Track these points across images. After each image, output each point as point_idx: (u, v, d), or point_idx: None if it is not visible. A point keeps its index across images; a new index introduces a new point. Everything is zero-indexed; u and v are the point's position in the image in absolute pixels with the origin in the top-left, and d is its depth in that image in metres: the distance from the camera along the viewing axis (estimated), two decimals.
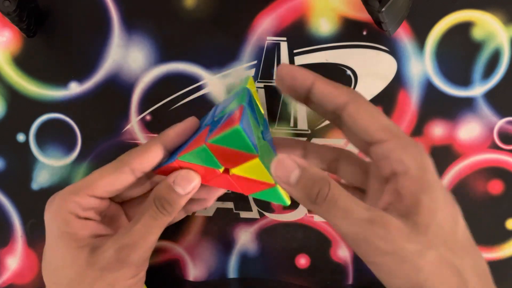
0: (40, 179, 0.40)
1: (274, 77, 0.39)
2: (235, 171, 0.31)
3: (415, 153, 0.27)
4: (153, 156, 0.32)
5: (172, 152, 0.33)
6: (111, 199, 0.34)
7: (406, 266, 0.25)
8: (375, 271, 0.26)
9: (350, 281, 0.41)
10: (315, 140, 0.40)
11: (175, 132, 0.32)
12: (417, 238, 0.25)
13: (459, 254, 0.26)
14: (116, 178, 0.31)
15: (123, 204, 0.36)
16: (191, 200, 0.34)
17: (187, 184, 0.31)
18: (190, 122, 0.33)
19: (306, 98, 0.30)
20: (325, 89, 0.29)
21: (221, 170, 0.31)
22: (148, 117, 0.40)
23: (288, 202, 0.32)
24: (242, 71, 0.39)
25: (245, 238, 0.40)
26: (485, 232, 0.40)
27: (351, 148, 0.35)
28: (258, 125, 0.32)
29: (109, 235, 0.32)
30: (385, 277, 0.26)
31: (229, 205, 0.40)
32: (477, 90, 0.39)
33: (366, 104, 0.28)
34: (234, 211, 0.40)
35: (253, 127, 0.30)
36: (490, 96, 0.39)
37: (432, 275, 0.25)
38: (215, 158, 0.30)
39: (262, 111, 0.37)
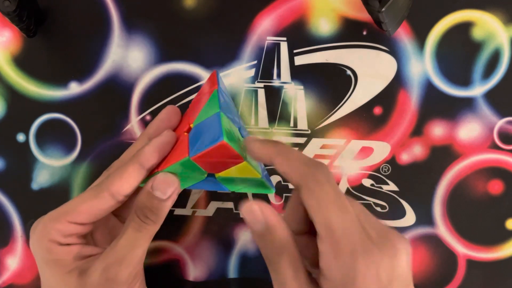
0: (40, 179, 0.40)
1: (274, 78, 0.39)
2: (222, 174, 0.31)
3: (346, 263, 0.25)
4: (131, 178, 0.30)
5: (152, 170, 0.32)
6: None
7: None
8: None
9: None
10: (314, 140, 0.40)
11: (151, 150, 0.31)
12: None
13: None
14: (96, 203, 0.30)
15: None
16: None
17: (166, 187, 0.30)
18: (166, 137, 0.31)
19: None
20: (281, 167, 0.28)
21: (205, 175, 0.31)
22: (148, 117, 0.40)
23: (273, 191, 0.33)
24: (242, 71, 0.39)
25: (245, 238, 0.40)
26: (485, 232, 0.40)
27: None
28: (234, 123, 0.32)
29: (97, 254, 0.31)
30: None
31: (229, 205, 0.40)
32: (477, 90, 0.39)
33: (318, 189, 0.26)
34: (234, 211, 0.40)
35: (232, 130, 0.30)
36: (490, 96, 0.39)
37: None
38: (200, 167, 0.30)
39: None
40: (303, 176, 0.27)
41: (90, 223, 0.31)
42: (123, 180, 0.30)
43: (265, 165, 0.37)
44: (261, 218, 0.27)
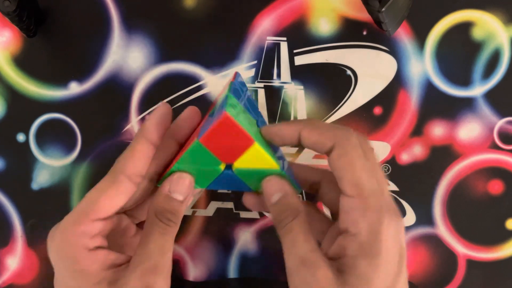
0: (40, 179, 0.40)
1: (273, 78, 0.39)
2: (237, 164, 0.30)
3: (373, 219, 0.27)
4: (142, 155, 0.30)
5: (166, 166, 0.31)
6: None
7: None
8: None
9: None
10: None
11: (152, 123, 0.30)
12: None
13: None
14: (116, 190, 0.29)
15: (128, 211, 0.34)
16: None
17: (182, 187, 0.30)
18: (163, 108, 0.31)
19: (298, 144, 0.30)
20: (311, 138, 0.29)
21: (223, 166, 0.30)
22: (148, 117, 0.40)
23: (299, 190, 0.32)
24: (242, 71, 0.39)
25: (245, 238, 0.40)
26: (485, 232, 0.40)
27: None
28: (252, 115, 0.32)
29: (123, 264, 0.30)
30: None
31: (229, 205, 0.40)
32: (477, 90, 0.39)
33: (351, 149, 0.28)
34: (234, 211, 0.40)
35: (242, 112, 0.29)
36: (490, 96, 0.39)
37: None
38: (212, 154, 0.29)
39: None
40: (337, 138, 0.28)
41: (112, 216, 0.30)
42: (135, 158, 0.30)
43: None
44: (278, 186, 0.29)
